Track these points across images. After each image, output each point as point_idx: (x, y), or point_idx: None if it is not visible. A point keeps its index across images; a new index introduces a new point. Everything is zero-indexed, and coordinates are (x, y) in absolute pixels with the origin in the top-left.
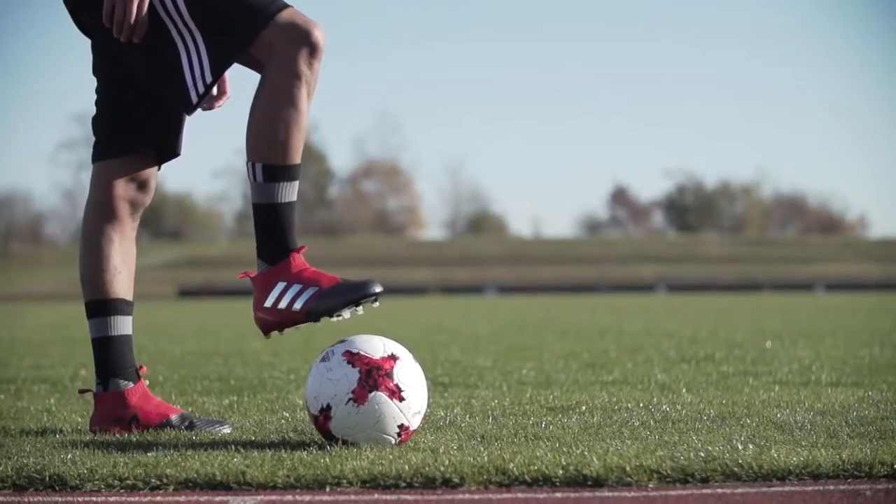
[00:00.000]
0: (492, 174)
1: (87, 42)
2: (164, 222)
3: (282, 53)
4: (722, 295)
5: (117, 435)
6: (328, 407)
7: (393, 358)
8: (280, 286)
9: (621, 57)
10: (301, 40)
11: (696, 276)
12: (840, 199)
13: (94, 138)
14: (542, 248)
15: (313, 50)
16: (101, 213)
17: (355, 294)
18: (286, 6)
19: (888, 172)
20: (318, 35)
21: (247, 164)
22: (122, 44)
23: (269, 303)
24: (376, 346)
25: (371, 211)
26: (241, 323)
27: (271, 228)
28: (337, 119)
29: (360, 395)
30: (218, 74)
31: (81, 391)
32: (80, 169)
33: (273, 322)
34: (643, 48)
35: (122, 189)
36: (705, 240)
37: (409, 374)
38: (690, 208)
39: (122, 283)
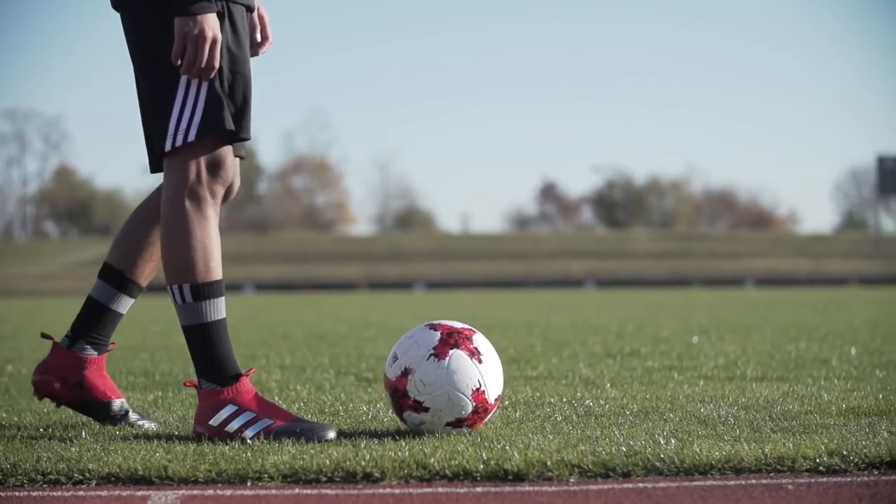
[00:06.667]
0: (420, 170)
1: (11, 36)
2: (94, 218)
3: (196, 178)
4: (651, 290)
5: (42, 416)
6: (408, 370)
7: (472, 329)
8: (230, 408)
9: (548, 52)
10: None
11: (626, 272)
12: (770, 194)
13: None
14: (471, 243)
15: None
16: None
17: (307, 438)
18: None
19: (818, 167)
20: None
21: (168, 287)
22: (140, 60)
23: (215, 421)
24: (455, 323)
25: (300, 206)
26: (169, 318)
27: (210, 349)
28: (265, 114)
29: (441, 352)
30: (199, 137)
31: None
32: (10, 165)
33: (212, 437)
34: (569, 43)
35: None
36: (634, 235)
37: (486, 345)
38: (619, 204)
39: (146, 270)
